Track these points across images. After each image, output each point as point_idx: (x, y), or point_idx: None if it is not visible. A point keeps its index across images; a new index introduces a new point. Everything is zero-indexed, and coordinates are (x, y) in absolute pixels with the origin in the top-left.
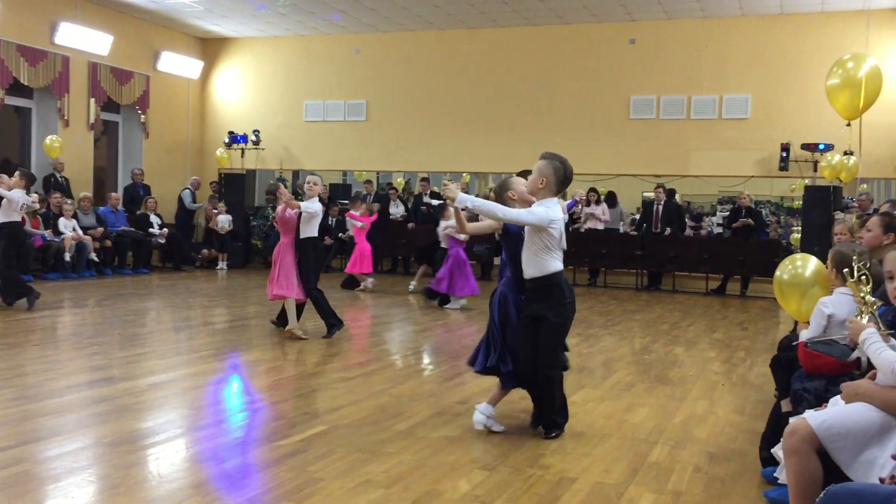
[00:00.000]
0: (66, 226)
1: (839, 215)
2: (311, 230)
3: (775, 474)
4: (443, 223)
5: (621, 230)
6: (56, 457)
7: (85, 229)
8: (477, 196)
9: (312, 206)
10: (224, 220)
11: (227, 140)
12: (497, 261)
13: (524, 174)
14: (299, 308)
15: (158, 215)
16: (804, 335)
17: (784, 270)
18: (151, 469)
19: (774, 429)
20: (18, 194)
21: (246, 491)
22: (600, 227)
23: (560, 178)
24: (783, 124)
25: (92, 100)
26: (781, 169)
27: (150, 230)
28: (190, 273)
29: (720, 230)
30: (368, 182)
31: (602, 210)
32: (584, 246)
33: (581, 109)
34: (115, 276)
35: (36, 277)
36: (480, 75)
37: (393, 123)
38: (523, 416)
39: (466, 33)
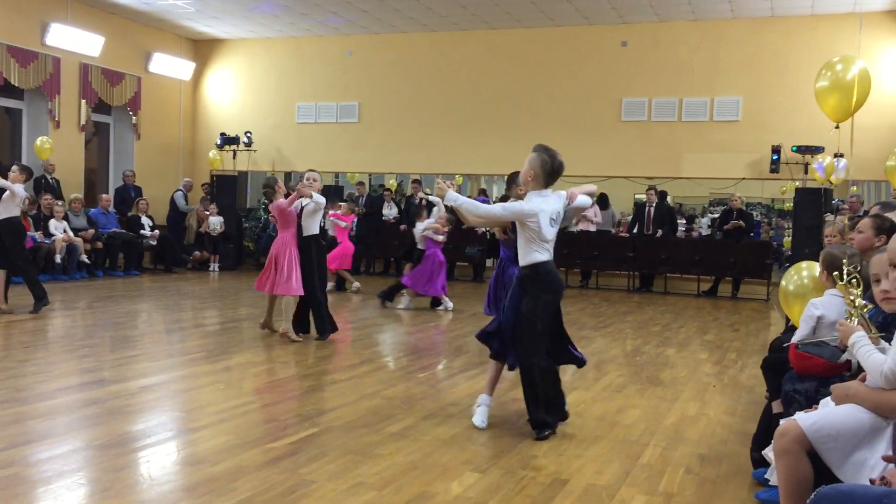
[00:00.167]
0: (57, 227)
1: (829, 217)
2: (314, 226)
3: (766, 475)
4: (420, 225)
5: (613, 231)
6: (46, 460)
7: (76, 231)
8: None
9: (322, 198)
10: (215, 222)
11: (218, 142)
12: (490, 262)
13: (514, 176)
14: (303, 314)
15: (150, 217)
16: (795, 337)
17: (790, 280)
18: (142, 472)
19: (765, 430)
20: (20, 188)
21: (237, 493)
22: (592, 228)
23: (548, 171)
24: (774, 126)
25: (83, 101)
26: (772, 171)
27: (142, 232)
28: (181, 275)
29: (708, 232)
30: (361, 184)
31: (594, 212)
32: (576, 248)
33: (573, 111)
34: (106, 278)
35: None
36: (473, 77)
37: (385, 125)
38: (515, 419)
39: (459, 35)
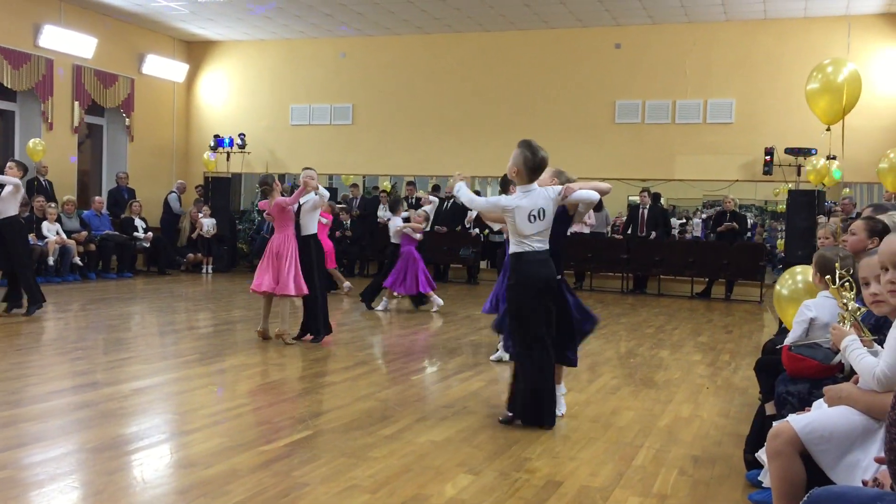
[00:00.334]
0: (50, 230)
1: (822, 219)
2: (312, 225)
3: (759, 477)
4: (396, 219)
5: (607, 233)
6: (39, 462)
7: (69, 233)
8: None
9: (326, 192)
10: (209, 224)
11: (212, 143)
12: (483, 265)
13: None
14: (310, 318)
15: (143, 219)
16: (788, 338)
17: (784, 285)
18: (135, 475)
19: (758, 432)
20: (20, 182)
21: (230, 496)
22: (586, 230)
23: (530, 166)
24: (767, 128)
25: (76, 103)
26: (765, 173)
27: (135, 234)
28: (175, 277)
29: (698, 234)
30: (354, 186)
31: (588, 214)
32: (569, 250)
33: (567, 114)
34: (99, 281)
35: None
36: (467, 79)
37: (379, 127)
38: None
39: (452, 37)
